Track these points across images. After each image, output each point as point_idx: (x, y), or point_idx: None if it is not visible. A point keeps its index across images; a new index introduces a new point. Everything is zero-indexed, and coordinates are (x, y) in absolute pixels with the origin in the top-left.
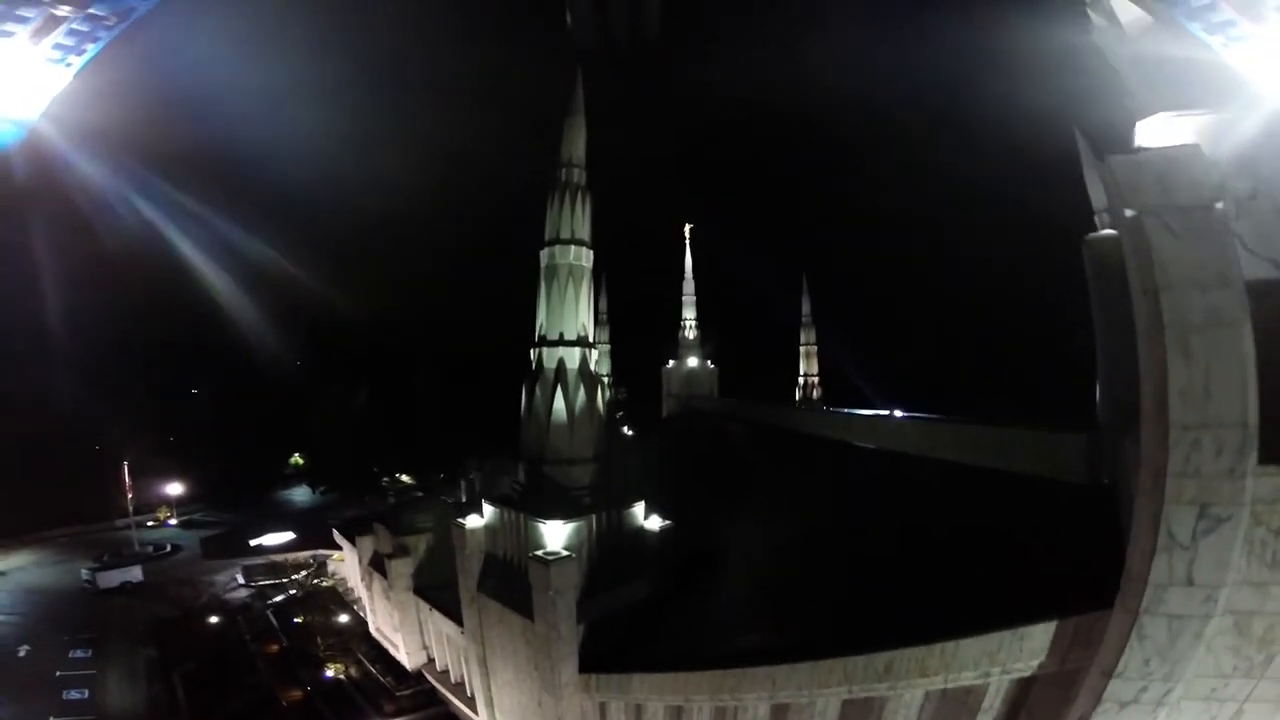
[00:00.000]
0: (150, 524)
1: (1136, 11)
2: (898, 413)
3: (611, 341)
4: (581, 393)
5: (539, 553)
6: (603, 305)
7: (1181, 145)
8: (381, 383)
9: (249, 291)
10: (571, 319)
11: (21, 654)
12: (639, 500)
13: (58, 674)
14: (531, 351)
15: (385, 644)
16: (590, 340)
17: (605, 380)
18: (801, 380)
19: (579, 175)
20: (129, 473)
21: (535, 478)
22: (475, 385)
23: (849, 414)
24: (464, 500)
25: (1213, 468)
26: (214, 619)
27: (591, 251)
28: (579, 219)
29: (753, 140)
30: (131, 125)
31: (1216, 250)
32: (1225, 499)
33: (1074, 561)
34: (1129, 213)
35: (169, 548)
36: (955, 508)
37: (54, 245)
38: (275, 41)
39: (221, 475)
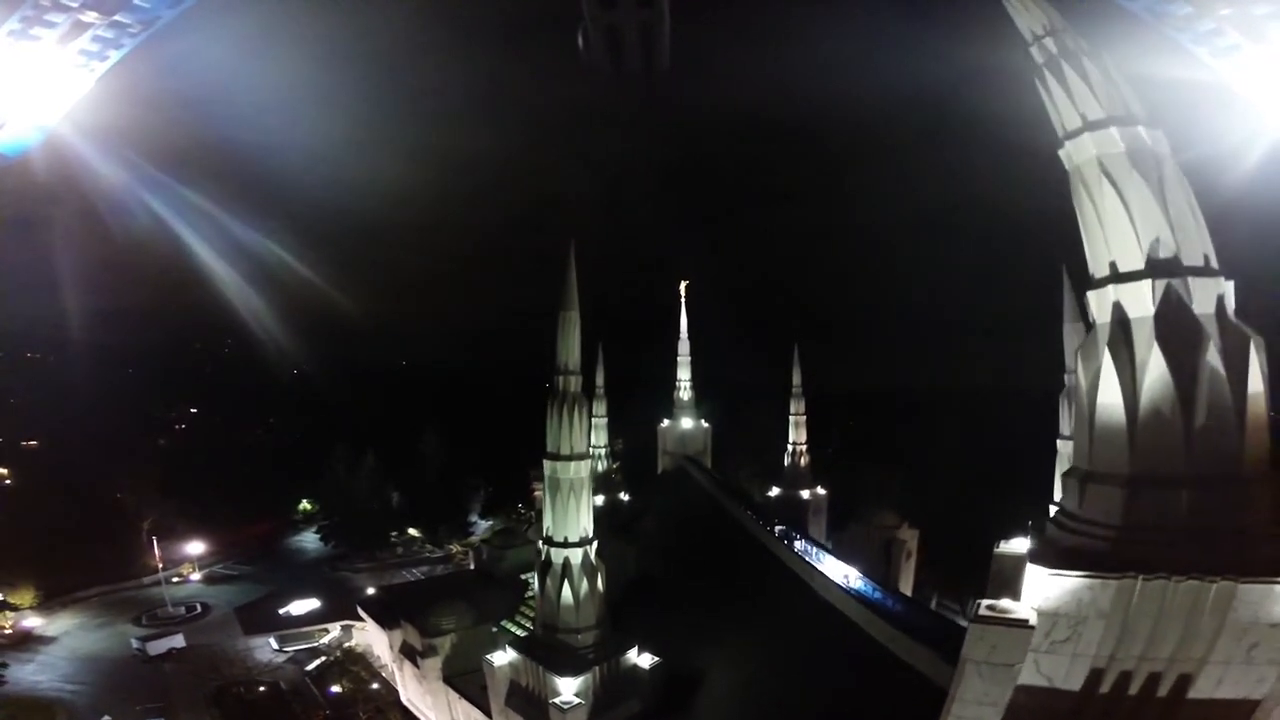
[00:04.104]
0: (175, 579)
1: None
2: (851, 576)
3: (609, 412)
4: (584, 583)
5: (556, 701)
6: (599, 380)
7: (1021, 630)
8: (389, 438)
9: (261, 321)
10: (574, 525)
11: None
12: (632, 646)
13: None
14: (540, 545)
15: (418, 714)
16: (591, 537)
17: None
18: (790, 448)
19: (575, 383)
20: (152, 531)
21: (550, 637)
22: (477, 436)
23: (812, 566)
24: (473, 568)
25: None
26: (262, 687)
27: (589, 461)
28: (577, 434)
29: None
30: (151, 132)
31: (1000, 690)
32: None
33: None
34: (963, 655)
35: (199, 608)
36: (870, 693)
37: (65, 259)
38: (301, 52)
39: (239, 529)
